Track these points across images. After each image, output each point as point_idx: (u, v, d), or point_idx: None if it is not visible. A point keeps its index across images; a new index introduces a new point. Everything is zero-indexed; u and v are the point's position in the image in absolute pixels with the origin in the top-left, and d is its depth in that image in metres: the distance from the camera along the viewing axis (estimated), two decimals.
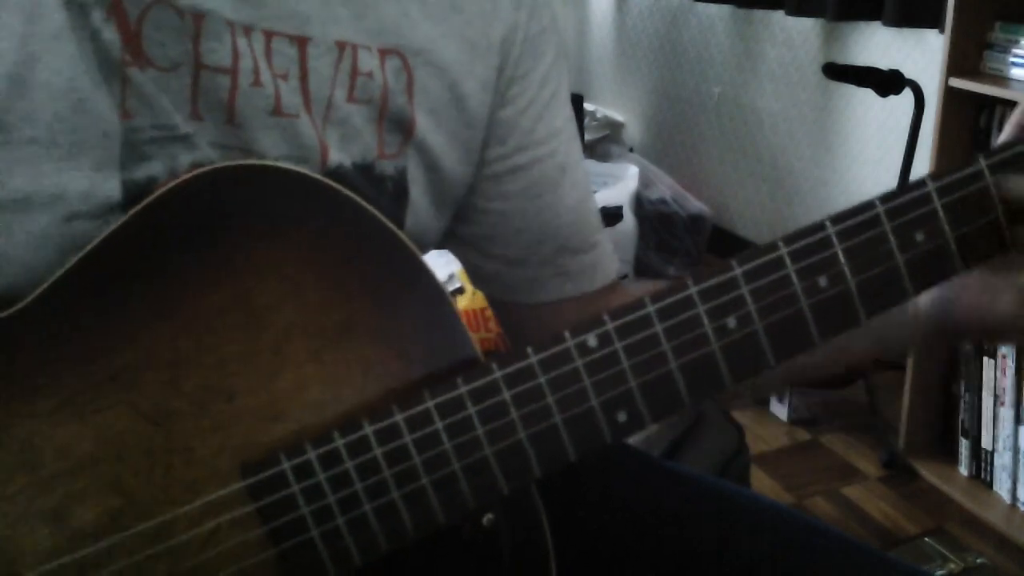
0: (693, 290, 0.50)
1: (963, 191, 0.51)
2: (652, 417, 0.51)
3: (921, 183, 0.51)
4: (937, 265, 0.52)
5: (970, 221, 0.52)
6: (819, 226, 0.51)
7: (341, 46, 0.57)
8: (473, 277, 0.75)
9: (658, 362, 0.50)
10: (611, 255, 0.73)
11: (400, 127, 0.60)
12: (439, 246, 0.72)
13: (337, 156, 0.58)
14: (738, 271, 0.51)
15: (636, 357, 0.50)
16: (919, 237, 0.51)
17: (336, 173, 0.58)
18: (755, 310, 0.51)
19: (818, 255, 0.51)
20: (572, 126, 0.70)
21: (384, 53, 0.59)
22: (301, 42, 0.56)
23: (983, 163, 0.51)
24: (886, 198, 0.51)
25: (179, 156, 0.53)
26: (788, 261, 0.51)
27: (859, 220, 0.51)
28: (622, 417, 0.51)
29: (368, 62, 0.58)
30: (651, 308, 0.50)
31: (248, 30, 0.54)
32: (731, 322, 0.50)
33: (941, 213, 0.51)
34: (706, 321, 0.50)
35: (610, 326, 0.50)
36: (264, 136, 0.55)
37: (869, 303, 0.51)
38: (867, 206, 0.51)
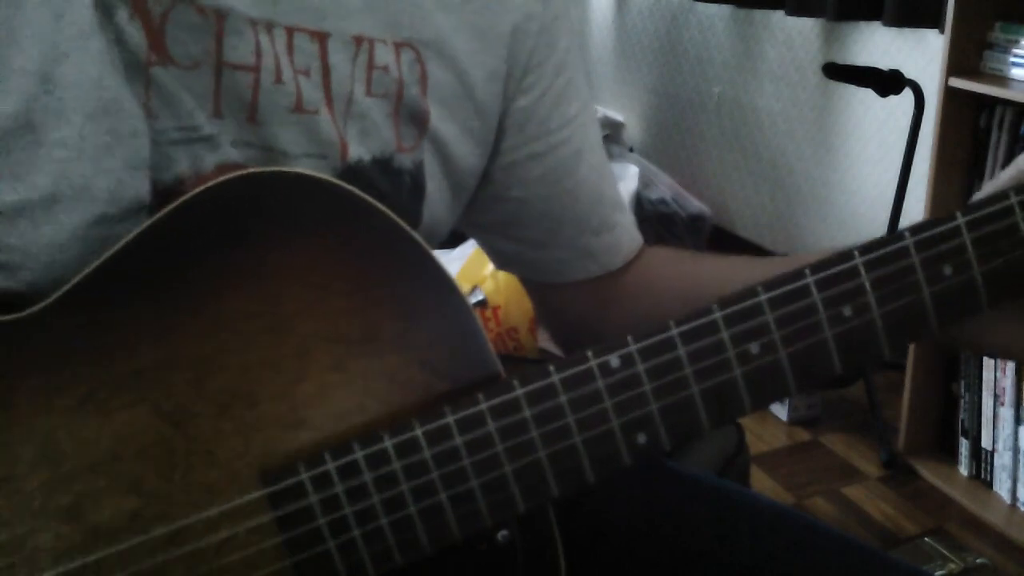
0: (718, 315, 0.50)
1: (993, 226, 0.51)
2: (671, 440, 0.51)
3: (951, 216, 0.51)
4: (964, 300, 0.51)
5: (998, 256, 0.51)
6: (847, 255, 0.51)
7: (358, 41, 0.57)
8: (497, 260, 0.75)
9: (679, 385, 0.50)
10: (633, 229, 0.74)
11: (415, 120, 0.61)
12: (464, 232, 0.73)
13: (356, 151, 0.58)
14: (763, 297, 0.50)
15: (658, 380, 0.50)
16: (947, 271, 0.51)
17: (355, 168, 0.58)
18: (779, 337, 0.50)
19: (845, 284, 0.50)
20: (589, 109, 0.71)
21: (399, 46, 0.59)
22: (321, 37, 0.56)
23: (1013, 199, 0.51)
24: (916, 229, 0.51)
25: (205, 157, 0.53)
26: (815, 289, 0.50)
27: (888, 251, 0.51)
28: (641, 439, 0.50)
29: (384, 56, 0.58)
30: (675, 331, 0.50)
31: (270, 27, 0.54)
32: (754, 348, 0.50)
33: (970, 247, 0.51)
34: (730, 347, 0.50)
35: (633, 347, 0.50)
36: (284, 133, 0.55)
37: (892, 335, 0.51)
38: (896, 237, 0.51)
